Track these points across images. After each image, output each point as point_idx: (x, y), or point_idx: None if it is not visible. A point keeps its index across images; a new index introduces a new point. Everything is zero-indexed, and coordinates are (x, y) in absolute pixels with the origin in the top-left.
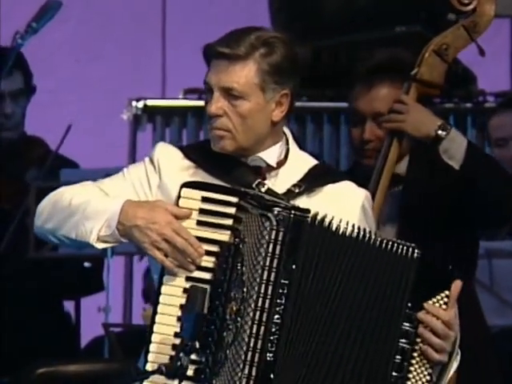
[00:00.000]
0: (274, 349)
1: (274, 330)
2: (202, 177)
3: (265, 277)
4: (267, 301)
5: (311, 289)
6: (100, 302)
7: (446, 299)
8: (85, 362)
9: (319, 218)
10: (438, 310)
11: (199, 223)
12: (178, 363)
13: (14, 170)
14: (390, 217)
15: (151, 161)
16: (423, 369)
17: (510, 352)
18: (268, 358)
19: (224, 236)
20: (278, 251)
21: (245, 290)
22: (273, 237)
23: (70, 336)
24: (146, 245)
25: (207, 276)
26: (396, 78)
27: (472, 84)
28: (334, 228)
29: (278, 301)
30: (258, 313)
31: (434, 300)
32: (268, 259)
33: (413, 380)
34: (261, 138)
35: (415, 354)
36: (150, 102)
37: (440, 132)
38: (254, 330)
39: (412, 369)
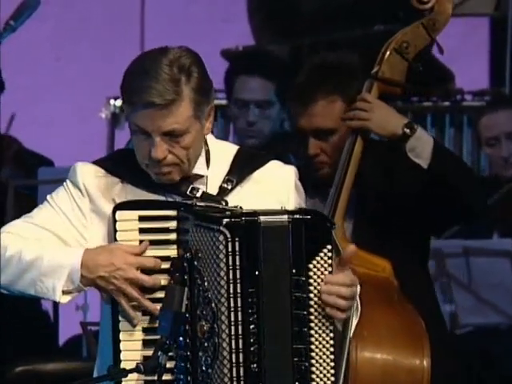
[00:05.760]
0: (256, 359)
1: (252, 340)
2: (131, 191)
3: (231, 290)
4: (239, 313)
5: (271, 289)
6: (78, 300)
7: (329, 254)
8: (63, 360)
9: (263, 215)
10: (336, 277)
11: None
12: (156, 361)
13: None
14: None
15: (75, 185)
16: (324, 328)
17: (484, 350)
18: (253, 370)
19: (172, 251)
20: (238, 262)
21: (213, 306)
22: (230, 249)
23: (48, 334)
24: (113, 292)
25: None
26: (328, 91)
27: (450, 83)
28: (273, 221)
29: (250, 311)
30: (233, 327)
31: (318, 258)
32: (231, 272)
33: (316, 343)
34: (198, 156)
35: (312, 317)
36: None
37: (406, 130)
38: (234, 345)
39: (313, 332)
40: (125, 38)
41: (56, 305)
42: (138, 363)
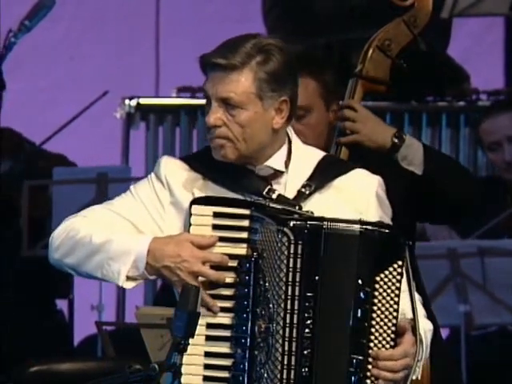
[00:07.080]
0: (308, 363)
1: (305, 344)
2: (211, 188)
3: (290, 292)
4: (295, 316)
5: (332, 296)
6: (93, 300)
7: (399, 269)
8: (78, 360)
9: (332, 222)
10: (388, 353)
11: None
12: (170, 361)
13: None
14: None
15: (158, 177)
16: (384, 343)
17: (501, 350)
18: (304, 374)
19: (241, 250)
20: (299, 264)
21: (271, 306)
22: (292, 251)
23: (63, 334)
24: (176, 283)
25: (229, 292)
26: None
27: (465, 82)
28: (342, 229)
29: (306, 315)
30: (287, 329)
31: (387, 272)
32: (290, 274)
33: (374, 355)
34: (263, 146)
35: (373, 330)
36: (143, 101)
37: (396, 140)
38: (287, 347)
39: (372, 344)
40: (140, 38)
41: (71, 304)
42: (151, 363)
